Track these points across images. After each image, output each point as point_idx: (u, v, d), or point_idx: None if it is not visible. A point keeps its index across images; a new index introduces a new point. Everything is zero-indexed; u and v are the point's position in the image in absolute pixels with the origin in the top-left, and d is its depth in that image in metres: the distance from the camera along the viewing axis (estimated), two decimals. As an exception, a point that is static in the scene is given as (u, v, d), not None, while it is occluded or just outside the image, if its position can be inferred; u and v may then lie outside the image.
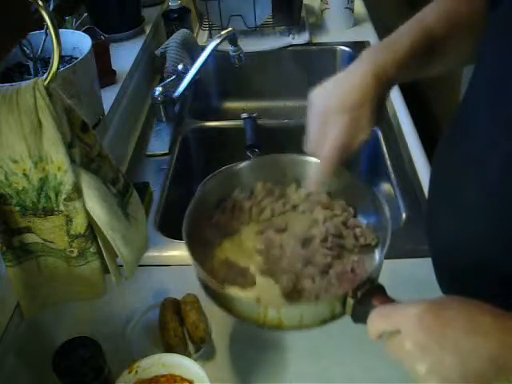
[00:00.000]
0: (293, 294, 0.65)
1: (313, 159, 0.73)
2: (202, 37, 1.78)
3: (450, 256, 0.71)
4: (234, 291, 0.65)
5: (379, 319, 0.56)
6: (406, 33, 0.69)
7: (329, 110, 0.67)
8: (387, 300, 0.58)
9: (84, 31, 1.15)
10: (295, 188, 0.77)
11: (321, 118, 0.68)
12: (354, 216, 0.74)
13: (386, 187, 1.22)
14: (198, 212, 0.72)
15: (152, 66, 1.60)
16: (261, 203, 0.76)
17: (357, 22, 1.82)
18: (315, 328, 0.61)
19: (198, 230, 0.72)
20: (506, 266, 0.61)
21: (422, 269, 0.85)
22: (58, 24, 0.61)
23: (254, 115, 1.39)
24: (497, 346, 0.49)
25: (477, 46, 0.65)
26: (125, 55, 1.43)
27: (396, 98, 1.41)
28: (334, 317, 0.61)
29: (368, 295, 0.58)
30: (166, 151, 1.30)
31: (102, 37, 1.29)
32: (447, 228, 0.70)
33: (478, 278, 0.65)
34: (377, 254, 0.69)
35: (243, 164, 0.78)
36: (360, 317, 0.59)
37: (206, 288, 0.66)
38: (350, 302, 0.59)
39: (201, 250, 0.70)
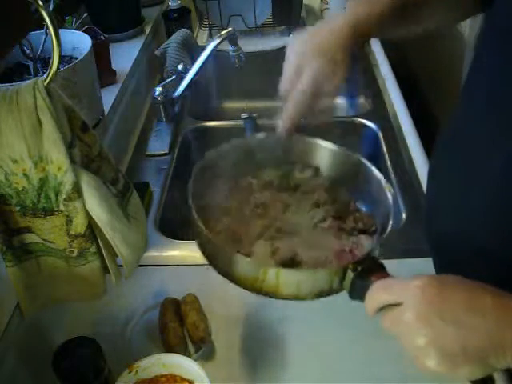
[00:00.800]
0: (289, 265, 0.64)
1: (323, 142, 0.75)
2: (201, 37, 1.78)
3: (449, 251, 0.71)
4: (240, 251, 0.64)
5: (380, 291, 0.55)
6: None
7: (305, 52, 0.69)
8: (387, 276, 0.57)
9: (84, 31, 1.15)
10: (301, 168, 0.77)
11: (297, 59, 0.70)
12: (355, 202, 0.73)
13: (385, 187, 1.22)
14: (205, 176, 0.73)
15: (152, 66, 1.60)
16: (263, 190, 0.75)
17: (357, 22, 1.82)
18: (310, 300, 0.60)
19: (203, 197, 0.72)
20: (504, 261, 0.61)
21: (422, 269, 0.85)
22: (58, 24, 0.61)
23: (254, 115, 1.39)
24: (494, 324, 0.49)
25: (474, 46, 0.66)
26: (125, 55, 1.43)
27: (396, 99, 1.42)
28: (331, 290, 0.60)
29: (368, 270, 0.57)
30: (166, 151, 1.30)
31: (102, 37, 1.29)
32: (447, 224, 0.70)
33: (477, 272, 0.65)
34: (376, 236, 0.68)
35: (257, 139, 0.78)
36: (357, 292, 0.58)
37: (205, 247, 0.65)
38: (350, 275, 0.58)
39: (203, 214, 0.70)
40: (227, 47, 1.40)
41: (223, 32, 1.32)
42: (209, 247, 0.64)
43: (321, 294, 0.60)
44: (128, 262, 0.72)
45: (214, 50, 1.31)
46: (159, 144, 1.32)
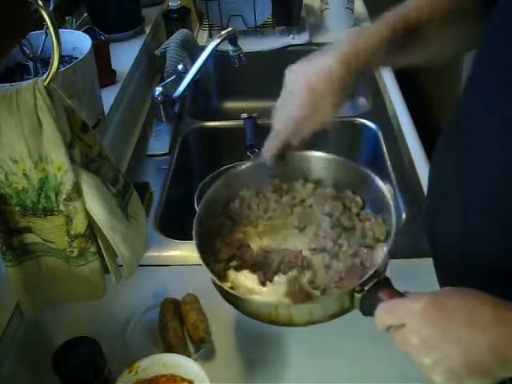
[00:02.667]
0: (298, 295, 0.67)
1: (319, 154, 0.77)
2: (201, 37, 1.78)
3: (449, 251, 0.71)
4: (246, 294, 0.67)
5: (385, 314, 0.57)
6: (385, 22, 0.71)
7: (297, 86, 0.71)
8: (393, 292, 0.59)
9: (84, 31, 1.15)
10: (303, 183, 0.79)
11: (286, 95, 0.73)
12: (363, 204, 0.75)
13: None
14: (206, 215, 0.74)
15: (152, 66, 1.60)
16: (269, 199, 0.78)
17: (357, 22, 1.82)
18: (326, 322, 0.63)
19: (207, 233, 0.74)
20: (505, 261, 0.61)
21: (422, 269, 0.85)
22: (58, 24, 0.61)
23: (254, 115, 1.39)
24: (496, 338, 0.50)
25: (477, 45, 0.66)
26: (125, 55, 1.43)
27: (396, 99, 1.42)
28: (343, 311, 0.62)
29: (374, 289, 0.60)
30: (166, 151, 1.30)
31: (102, 37, 1.29)
32: (447, 223, 0.71)
33: (477, 273, 0.65)
34: (384, 248, 0.70)
35: (248, 164, 0.80)
36: (367, 310, 0.60)
37: (219, 289, 0.68)
38: (358, 296, 0.60)
39: (210, 246, 0.73)
40: (227, 47, 1.40)
41: (223, 32, 1.32)
42: (224, 294, 0.68)
43: (334, 316, 0.63)
44: (128, 262, 0.72)
45: (214, 50, 1.31)
46: (159, 144, 1.32)
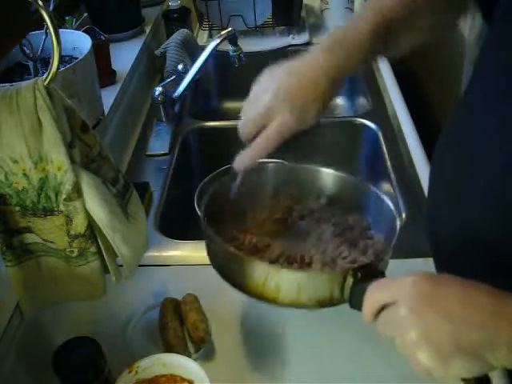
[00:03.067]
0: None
1: (331, 171, 0.76)
2: (201, 37, 1.78)
3: (450, 251, 0.72)
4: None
5: (377, 290, 0.56)
6: (363, 22, 0.70)
7: (279, 104, 0.69)
8: None
9: (84, 31, 1.15)
10: (315, 198, 0.78)
11: (267, 105, 0.70)
12: (368, 226, 0.74)
13: (385, 187, 1.22)
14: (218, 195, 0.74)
15: (152, 66, 1.60)
16: (282, 203, 0.77)
17: (357, 22, 1.82)
18: (311, 309, 0.61)
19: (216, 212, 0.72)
20: (506, 261, 0.61)
21: (422, 269, 0.85)
22: (58, 24, 0.61)
23: (254, 115, 1.39)
24: (489, 318, 0.49)
25: (481, 45, 0.66)
26: (125, 55, 1.43)
27: (396, 99, 1.42)
28: (331, 299, 0.61)
29: (368, 277, 0.58)
30: (166, 151, 1.30)
31: (102, 37, 1.29)
32: (448, 223, 0.71)
33: (478, 273, 0.65)
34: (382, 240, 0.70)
35: (271, 165, 0.79)
36: (356, 299, 0.58)
37: (209, 246, 0.66)
38: (350, 281, 0.59)
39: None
40: (227, 47, 1.40)
41: (223, 32, 1.32)
42: (211, 246, 0.66)
43: (321, 303, 0.61)
44: (128, 262, 0.72)
45: (214, 50, 1.31)
46: (159, 144, 1.32)
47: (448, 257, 0.74)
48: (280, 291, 0.60)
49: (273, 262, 0.68)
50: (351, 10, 1.78)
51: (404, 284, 0.53)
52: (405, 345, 0.52)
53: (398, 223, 0.67)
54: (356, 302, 0.59)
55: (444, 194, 0.73)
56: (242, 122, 0.74)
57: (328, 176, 0.77)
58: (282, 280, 0.60)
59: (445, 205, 0.72)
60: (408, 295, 0.52)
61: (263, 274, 0.60)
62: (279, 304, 0.61)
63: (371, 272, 0.59)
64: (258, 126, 0.71)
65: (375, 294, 0.56)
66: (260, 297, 0.61)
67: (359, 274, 0.59)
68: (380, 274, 0.60)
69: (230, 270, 0.63)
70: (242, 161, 0.73)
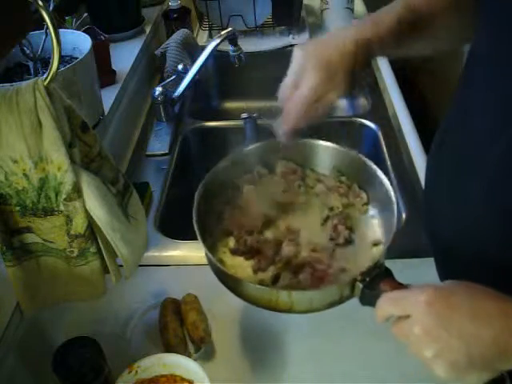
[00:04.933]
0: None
1: (331, 144, 0.77)
2: (201, 37, 1.78)
3: (448, 247, 0.72)
4: (245, 276, 0.68)
5: (388, 304, 0.57)
6: (390, 11, 0.71)
7: (306, 63, 0.69)
8: (395, 284, 0.59)
9: (84, 31, 1.15)
10: (311, 170, 0.79)
11: (297, 70, 0.71)
12: (368, 201, 0.75)
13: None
14: (209, 194, 0.74)
15: (152, 66, 1.60)
16: (282, 180, 0.78)
17: (357, 22, 1.82)
18: (324, 310, 0.63)
19: (209, 209, 0.74)
20: (506, 257, 0.62)
21: (422, 269, 0.85)
22: (58, 24, 0.61)
23: (254, 115, 1.39)
24: (499, 331, 0.51)
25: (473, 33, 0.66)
26: (125, 55, 1.43)
27: (396, 99, 1.41)
28: (342, 300, 0.63)
29: (376, 279, 0.60)
30: (166, 151, 1.30)
31: (102, 37, 1.29)
32: (446, 218, 0.71)
33: (478, 270, 0.65)
34: (383, 241, 0.70)
35: (255, 145, 0.80)
36: (368, 300, 0.60)
37: (218, 273, 0.67)
38: (359, 286, 0.60)
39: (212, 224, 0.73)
40: (227, 47, 1.40)
41: (223, 32, 1.32)
42: (220, 274, 0.67)
43: (333, 304, 0.63)
44: (128, 262, 0.72)
45: (214, 50, 1.31)
46: (159, 144, 1.32)
47: (447, 255, 0.74)
48: (293, 306, 0.62)
49: (270, 263, 0.69)
50: (351, 9, 1.78)
51: (416, 302, 0.54)
52: (420, 358, 0.54)
53: (395, 202, 0.68)
54: (367, 303, 0.61)
55: (441, 192, 0.73)
56: (279, 90, 0.75)
57: (326, 149, 0.78)
58: (293, 299, 0.62)
59: (442, 204, 0.72)
60: (422, 315, 0.53)
61: (274, 296, 0.62)
62: (293, 313, 0.63)
63: (378, 273, 0.61)
64: (290, 88, 0.72)
65: (387, 307, 0.57)
66: (274, 310, 0.63)
67: (367, 279, 0.60)
68: (386, 273, 0.61)
69: (241, 292, 0.65)
70: (278, 128, 0.74)
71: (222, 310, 0.88)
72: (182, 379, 0.74)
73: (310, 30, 1.76)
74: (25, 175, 0.64)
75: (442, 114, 0.78)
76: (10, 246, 0.69)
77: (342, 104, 1.73)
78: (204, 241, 0.67)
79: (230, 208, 0.76)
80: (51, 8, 1.07)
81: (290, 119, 0.71)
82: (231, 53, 1.40)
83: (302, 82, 0.70)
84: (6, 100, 0.61)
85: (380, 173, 0.73)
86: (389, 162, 1.22)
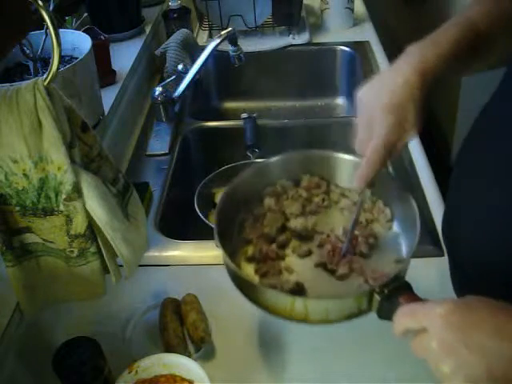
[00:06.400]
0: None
1: (353, 158, 0.76)
2: (201, 37, 1.78)
3: (472, 256, 0.70)
4: (263, 282, 0.67)
5: (405, 317, 0.56)
6: (451, 28, 0.67)
7: (374, 109, 0.66)
8: (414, 298, 0.58)
9: (84, 31, 1.15)
10: (335, 185, 0.79)
11: (367, 117, 0.67)
12: (392, 217, 0.74)
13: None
14: (229, 205, 0.74)
15: (152, 66, 1.60)
16: (306, 194, 0.78)
17: (357, 22, 1.82)
18: (340, 323, 0.62)
19: (231, 218, 0.74)
20: None
21: (421, 269, 0.85)
22: (58, 24, 0.61)
23: (254, 115, 1.39)
24: None
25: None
26: (125, 55, 1.43)
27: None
28: (359, 312, 0.62)
29: (395, 292, 0.59)
30: (166, 151, 1.30)
31: (102, 37, 1.29)
32: (471, 228, 0.69)
33: (501, 278, 0.64)
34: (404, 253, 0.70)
35: (277, 158, 0.79)
36: (385, 313, 0.59)
37: (235, 279, 0.67)
38: (377, 298, 0.59)
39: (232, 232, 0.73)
40: (227, 47, 1.40)
41: (223, 32, 1.32)
42: (237, 280, 0.66)
43: (349, 317, 0.62)
44: (128, 262, 0.72)
45: (214, 50, 1.31)
46: (159, 144, 1.32)
47: (466, 265, 0.72)
48: (308, 316, 0.61)
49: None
50: (351, 10, 1.78)
51: (433, 314, 0.52)
52: (437, 373, 0.52)
53: (419, 228, 0.66)
54: (385, 316, 0.60)
55: (468, 198, 0.71)
56: (355, 142, 0.71)
57: (352, 163, 0.76)
58: (309, 307, 0.61)
59: (467, 213, 0.71)
60: (438, 327, 0.51)
61: (290, 303, 0.61)
62: (309, 323, 0.62)
63: (397, 286, 0.60)
64: (364, 138, 0.68)
65: (404, 320, 0.56)
66: (290, 318, 0.62)
67: (385, 291, 0.59)
68: (405, 287, 0.60)
69: (256, 298, 0.64)
70: (358, 180, 0.70)
71: (222, 309, 0.88)
72: (182, 379, 0.74)
73: (310, 30, 1.76)
74: (25, 175, 0.64)
75: (442, 113, 0.77)
76: (10, 245, 0.69)
77: (342, 104, 1.73)
78: (223, 246, 0.66)
79: (252, 218, 0.75)
80: (51, 8, 1.07)
81: (369, 170, 0.68)
82: (231, 53, 1.40)
83: (374, 126, 0.66)
84: (6, 100, 0.61)
85: (407, 191, 0.72)
86: (389, 162, 1.22)
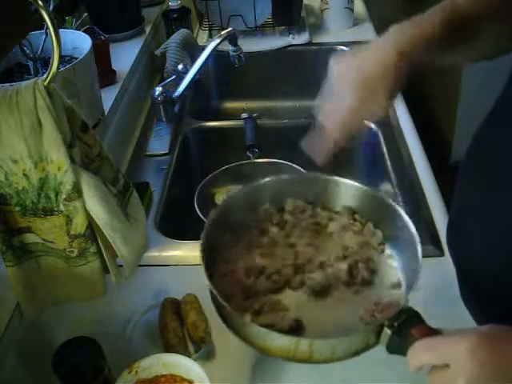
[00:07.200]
0: (321, 293, 0.64)
1: (346, 180, 0.72)
2: (201, 37, 1.78)
3: (474, 264, 0.69)
4: (262, 321, 0.62)
5: (424, 352, 0.53)
6: (434, 13, 0.65)
7: (345, 80, 0.64)
8: (428, 330, 0.55)
9: (84, 31, 1.15)
10: (322, 207, 0.75)
11: (336, 87, 0.65)
12: (383, 239, 0.71)
13: (386, 187, 1.22)
14: (217, 229, 0.70)
15: (152, 66, 1.60)
16: (292, 219, 0.74)
17: (357, 22, 1.82)
18: (346, 360, 0.59)
19: (218, 246, 0.70)
20: None
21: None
22: (58, 24, 0.61)
23: (254, 115, 1.39)
24: None
25: None
26: (125, 55, 1.43)
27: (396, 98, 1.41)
28: (367, 347, 0.59)
29: (406, 325, 0.55)
30: (166, 151, 1.30)
31: (102, 37, 1.29)
32: (478, 234, 0.68)
33: (499, 290, 0.63)
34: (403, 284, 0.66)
35: (267, 180, 0.75)
36: (396, 348, 0.56)
37: (226, 319, 0.63)
38: (387, 332, 0.56)
39: (220, 266, 0.69)
40: (227, 47, 1.40)
41: (223, 32, 1.32)
42: (230, 321, 0.63)
43: (356, 353, 0.59)
44: (128, 262, 0.72)
45: (214, 50, 1.31)
46: (159, 144, 1.32)
47: (472, 274, 0.71)
48: (313, 356, 0.58)
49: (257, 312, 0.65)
50: (351, 9, 1.78)
51: (458, 350, 0.50)
52: None
53: (420, 251, 0.62)
54: (395, 351, 0.57)
55: (474, 201, 0.70)
56: (316, 105, 0.68)
57: (340, 185, 0.73)
58: (313, 348, 0.57)
59: (474, 213, 0.69)
60: (464, 364, 0.49)
61: (293, 345, 0.57)
62: (311, 363, 0.58)
63: (407, 318, 0.56)
64: (327, 107, 0.66)
65: (423, 355, 0.53)
66: (291, 360, 0.58)
67: (396, 324, 0.56)
68: (416, 318, 0.57)
69: (255, 341, 0.60)
70: (312, 147, 0.68)
71: (222, 310, 0.88)
72: (182, 379, 0.74)
73: (310, 30, 1.76)
74: (25, 175, 0.64)
75: (442, 113, 0.77)
76: (10, 245, 0.69)
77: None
78: (209, 277, 0.63)
79: (235, 246, 0.71)
80: (51, 8, 1.07)
81: (327, 141, 0.66)
82: (231, 53, 1.40)
83: (339, 101, 0.64)
84: (6, 100, 0.61)
85: (401, 211, 0.68)
86: (389, 163, 1.22)
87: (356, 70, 0.64)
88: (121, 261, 0.72)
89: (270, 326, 0.60)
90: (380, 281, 0.67)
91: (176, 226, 1.14)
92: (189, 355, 0.80)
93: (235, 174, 1.26)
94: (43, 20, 0.59)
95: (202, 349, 0.82)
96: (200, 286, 0.90)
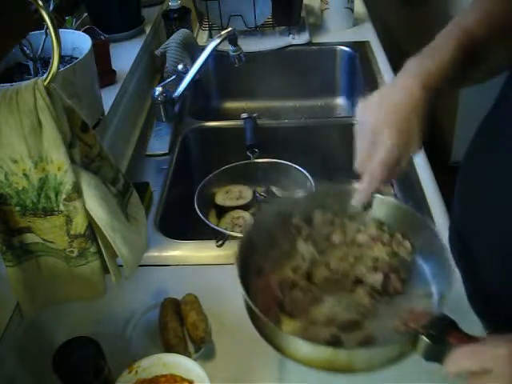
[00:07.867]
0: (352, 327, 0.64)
1: (386, 197, 0.73)
2: (201, 37, 1.78)
3: (478, 267, 0.69)
4: (299, 333, 0.63)
5: (464, 358, 0.54)
6: (447, 38, 0.66)
7: (376, 127, 0.65)
8: (465, 336, 0.56)
9: (84, 31, 1.15)
10: (349, 219, 0.75)
11: (368, 135, 0.66)
12: (412, 250, 0.71)
13: (386, 187, 1.22)
14: (250, 245, 0.71)
15: (152, 66, 1.60)
16: (321, 232, 0.74)
17: (357, 22, 1.82)
18: (381, 370, 0.59)
19: (251, 265, 0.71)
20: None
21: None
22: (58, 24, 0.61)
23: (254, 115, 1.39)
24: None
25: None
26: (125, 55, 1.43)
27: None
28: (403, 356, 0.59)
29: (443, 333, 0.56)
30: (166, 151, 1.30)
31: (101, 37, 1.29)
32: (479, 234, 0.69)
33: (504, 291, 0.64)
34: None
35: (297, 196, 0.77)
36: (433, 355, 0.57)
37: (265, 333, 0.64)
38: (424, 340, 0.57)
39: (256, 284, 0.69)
40: (227, 47, 1.40)
41: (223, 32, 1.32)
42: (269, 335, 0.63)
43: (392, 361, 0.59)
44: (128, 262, 0.72)
45: (214, 50, 1.31)
46: (159, 144, 1.32)
47: (477, 274, 0.71)
48: (352, 366, 0.59)
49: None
50: (351, 9, 1.78)
51: (498, 356, 0.51)
52: None
53: (452, 263, 0.64)
54: (433, 359, 0.57)
55: (475, 198, 0.70)
56: (356, 157, 0.69)
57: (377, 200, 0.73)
58: (353, 358, 0.59)
59: (475, 221, 0.70)
60: (504, 370, 0.50)
61: (334, 356, 0.59)
62: (349, 374, 0.59)
63: (444, 326, 0.57)
64: (367, 151, 0.67)
65: (463, 362, 0.54)
66: (329, 370, 0.60)
67: (432, 332, 0.57)
68: (452, 325, 0.57)
69: (295, 352, 0.62)
70: (359, 196, 0.70)
71: (222, 309, 0.88)
72: (182, 379, 0.74)
73: (310, 30, 1.76)
74: (25, 175, 0.64)
75: (442, 113, 0.77)
76: (10, 245, 0.69)
77: (342, 104, 1.73)
78: (250, 296, 0.63)
79: (270, 263, 0.72)
80: (51, 8, 1.07)
81: (371, 185, 0.67)
82: (231, 53, 1.40)
83: (378, 141, 0.64)
84: (6, 100, 0.61)
85: (428, 221, 0.70)
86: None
87: (388, 112, 0.64)
88: (121, 261, 0.72)
89: (308, 339, 0.61)
90: (410, 290, 0.68)
91: (176, 226, 1.14)
92: (189, 355, 0.80)
93: (235, 174, 1.26)
94: (43, 20, 0.59)
95: (202, 349, 0.82)
96: (200, 285, 0.91)
